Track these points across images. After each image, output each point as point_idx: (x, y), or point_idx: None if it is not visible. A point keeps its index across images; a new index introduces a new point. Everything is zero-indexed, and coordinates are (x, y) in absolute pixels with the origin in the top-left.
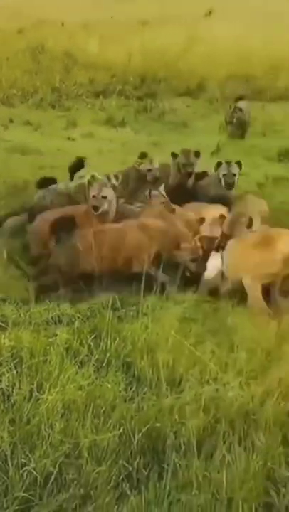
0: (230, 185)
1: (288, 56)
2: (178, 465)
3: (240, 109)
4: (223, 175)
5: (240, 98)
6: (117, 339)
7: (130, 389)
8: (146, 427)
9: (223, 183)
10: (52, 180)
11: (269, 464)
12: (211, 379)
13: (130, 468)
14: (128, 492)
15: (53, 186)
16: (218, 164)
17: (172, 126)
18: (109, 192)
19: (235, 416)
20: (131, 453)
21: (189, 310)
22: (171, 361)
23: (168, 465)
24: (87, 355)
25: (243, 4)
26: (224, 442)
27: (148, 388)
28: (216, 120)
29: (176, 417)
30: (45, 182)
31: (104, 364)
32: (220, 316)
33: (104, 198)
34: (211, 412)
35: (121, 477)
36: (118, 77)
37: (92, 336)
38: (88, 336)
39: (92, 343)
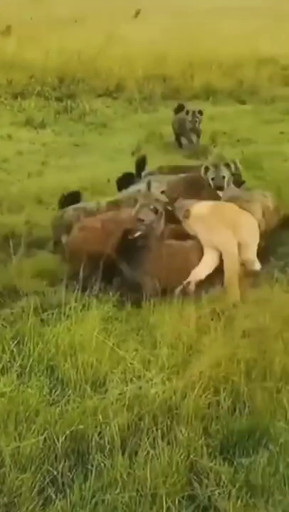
0: (219, 188)
1: (203, 57)
2: (102, 465)
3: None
4: (212, 179)
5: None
6: (40, 343)
7: (54, 392)
8: (71, 430)
9: (212, 186)
10: (77, 195)
11: (191, 456)
12: (134, 377)
13: (55, 473)
14: (53, 496)
15: (82, 205)
16: (206, 169)
17: (93, 127)
18: (148, 215)
19: (158, 411)
20: (55, 457)
21: (113, 309)
22: (94, 362)
23: (92, 466)
24: (9, 362)
25: (160, 6)
26: (148, 438)
27: (72, 390)
28: (135, 120)
29: (100, 417)
30: (70, 198)
31: (27, 369)
32: (143, 314)
33: (141, 221)
34: (135, 410)
35: (46, 482)
36: (36, 77)
37: (15, 342)
38: (10, 342)
39: (14, 349)
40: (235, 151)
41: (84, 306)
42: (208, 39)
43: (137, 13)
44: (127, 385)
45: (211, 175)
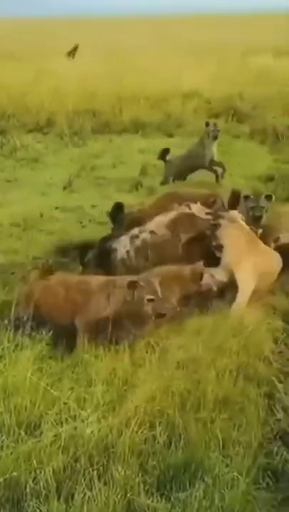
0: (257, 219)
1: (131, 91)
2: (38, 511)
3: None
4: (251, 207)
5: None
6: None
7: None
8: (4, 478)
9: (251, 215)
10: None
11: (128, 494)
12: (69, 417)
13: None
14: None
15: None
16: (245, 198)
17: (24, 162)
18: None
19: (94, 451)
20: None
21: (46, 347)
22: (28, 404)
23: None
24: None
25: (90, 42)
26: (84, 480)
27: (6, 436)
28: (66, 154)
29: (35, 462)
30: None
31: None
32: (77, 350)
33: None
34: (71, 451)
35: None
36: None
37: None
38: None
39: None
40: None
41: (17, 346)
42: (135, 74)
43: (76, 47)
44: (62, 426)
45: (250, 204)
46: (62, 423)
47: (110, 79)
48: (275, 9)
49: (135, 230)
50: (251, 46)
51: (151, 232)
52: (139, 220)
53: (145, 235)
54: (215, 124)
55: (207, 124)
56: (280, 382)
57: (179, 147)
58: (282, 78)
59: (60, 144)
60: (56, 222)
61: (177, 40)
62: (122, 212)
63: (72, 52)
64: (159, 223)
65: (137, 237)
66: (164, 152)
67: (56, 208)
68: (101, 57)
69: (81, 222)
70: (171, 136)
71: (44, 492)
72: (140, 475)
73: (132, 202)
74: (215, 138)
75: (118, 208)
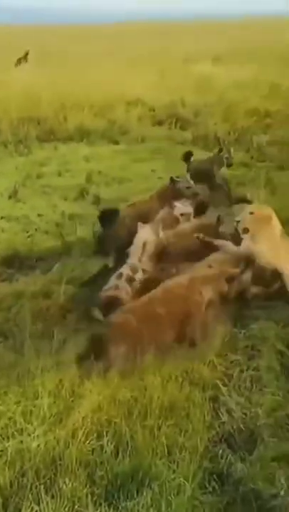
0: None
1: (75, 99)
2: None
3: None
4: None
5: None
6: None
7: None
8: None
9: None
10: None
11: (76, 506)
12: (15, 431)
13: None
14: None
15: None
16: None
17: None
18: None
19: (42, 465)
20: None
21: None
22: None
23: None
24: None
25: (32, 50)
26: (31, 494)
27: None
28: (11, 163)
29: None
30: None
31: None
32: (24, 362)
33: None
34: (17, 466)
35: None
36: None
37: None
38: None
39: None
40: (111, 189)
41: None
42: (78, 82)
43: (26, 54)
44: (8, 441)
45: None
46: (8, 438)
47: (54, 86)
48: (216, 16)
49: (127, 270)
50: (192, 54)
51: (144, 270)
52: (146, 216)
53: (139, 276)
54: (229, 151)
55: (220, 151)
56: (225, 385)
57: (125, 153)
58: (221, 85)
59: (4, 152)
60: (1, 233)
61: (120, 47)
62: (115, 217)
63: (20, 60)
64: (145, 258)
65: (133, 280)
66: (187, 155)
67: (1, 217)
68: (45, 65)
69: (27, 232)
70: (116, 143)
71: None
72: (88, 486)
73: (77, 210)
74: (229, 165)
75: (111, 213)
